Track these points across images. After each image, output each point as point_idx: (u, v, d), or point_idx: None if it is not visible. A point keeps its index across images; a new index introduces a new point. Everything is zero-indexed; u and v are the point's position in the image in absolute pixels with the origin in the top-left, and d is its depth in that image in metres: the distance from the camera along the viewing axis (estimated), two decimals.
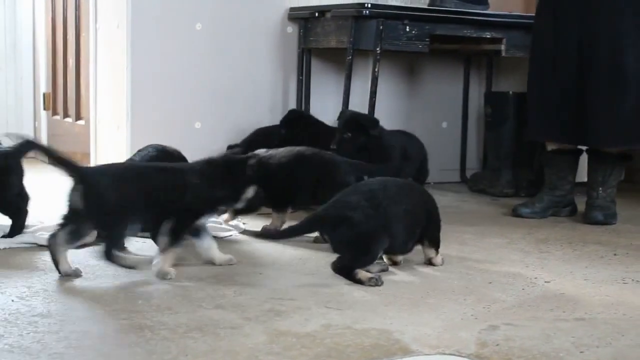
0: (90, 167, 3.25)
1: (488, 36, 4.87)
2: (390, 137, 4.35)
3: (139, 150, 3.83)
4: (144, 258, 3.04)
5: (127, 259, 2.96)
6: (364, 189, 3.07)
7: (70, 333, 2.33)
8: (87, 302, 2.63)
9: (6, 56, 6.50)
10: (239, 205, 3.21)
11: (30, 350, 2.19)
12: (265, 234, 3.55)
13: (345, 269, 2.95)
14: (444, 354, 2.26)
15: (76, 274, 2.93)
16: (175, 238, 2.98)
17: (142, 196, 2.94)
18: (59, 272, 2.93)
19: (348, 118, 3.98)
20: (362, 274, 2.93)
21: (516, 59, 5.17)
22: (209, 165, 3.12)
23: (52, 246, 2.93)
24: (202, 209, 3.08)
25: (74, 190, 2.88)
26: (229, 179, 3.11)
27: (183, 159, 3.80)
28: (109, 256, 2.87)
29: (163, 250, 2.98)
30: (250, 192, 3.15)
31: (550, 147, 4.40)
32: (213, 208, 3.14)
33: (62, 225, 2.92)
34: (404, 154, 4.35)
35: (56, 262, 2.93)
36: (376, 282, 2.91)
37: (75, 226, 2.91)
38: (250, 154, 3.28)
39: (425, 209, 3.19)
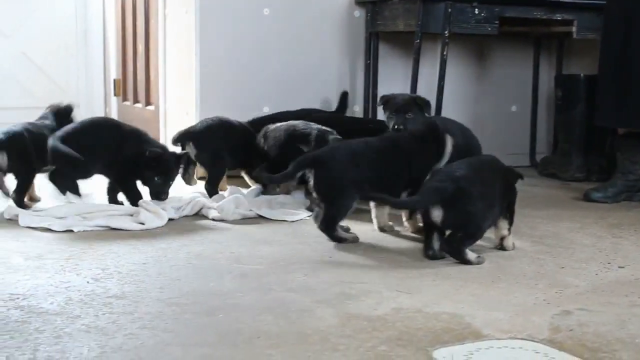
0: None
1: (559, 18, 4.79)
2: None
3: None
4: (355, 235, 3.30)
5: (347, 235, 3.26)
6: (470, 165, 3.14)
7: (144, 314, 2.37)
8: (160, 284, 2.67)
9: (77, 43, 6.61)
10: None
11: (106, 330, 2.23)
12: (386, 200, 3.37)
13: (457, 250, 3.00)
14: (516, 338, 2.24)
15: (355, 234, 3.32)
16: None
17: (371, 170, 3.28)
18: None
19: (406, 99, 3.98)
20: (470, 254, 3.01)
21: (587, 41, 5.08)
22: (417, 136, 3.46)
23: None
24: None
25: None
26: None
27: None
28: (332, 229, 3.23)
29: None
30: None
31: (622, 131, 4.31)
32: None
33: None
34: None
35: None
36: (481, 261, 3.01)
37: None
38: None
39: (509, 185, 3.24)
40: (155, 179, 3.73)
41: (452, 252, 3.01)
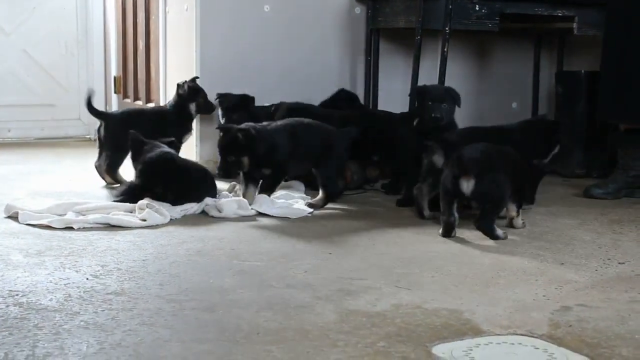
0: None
1: (559, 14, 4.78)
2: None
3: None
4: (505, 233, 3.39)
5: (501, 232, 3.36)
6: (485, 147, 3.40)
7: (143, 311, 2.36)
8: (160, 281, 2.66)
9: (78, 41, 6.60)
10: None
11: (105, 327, 2.23)
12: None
13: (490, 227, 3.31)
14: (516, 334, 2.23)
15: (434, 216, 3.55)
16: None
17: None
18: (422, 217, 3.63)
19: (441, 90, 4.05)
20: (498, 230, 3.32)
21: (588, 38, 5.07)
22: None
23: (418, 196, 3.65)
24: None
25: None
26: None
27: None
28: (490, 228, 3.33)
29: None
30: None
31: (624, 126, 4.31)
32: None
33: (424, 179, 3.63)
34: None
35: (420, 208, 3.65)
36: (506, 236, 3.33)
37: (432, 179, 3.56)
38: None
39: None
40: None
41: (485, 228, 3.31)
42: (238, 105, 4.55)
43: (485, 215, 3.33)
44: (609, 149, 4.85)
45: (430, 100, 3.95)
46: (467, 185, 3.27)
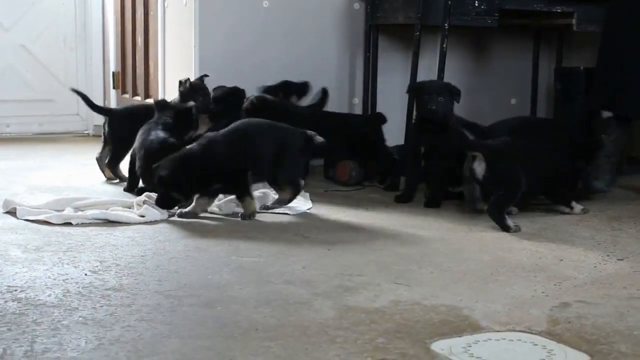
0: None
1: (558, 10, 4.78)
2: None
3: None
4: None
5: (512, 223, 3.40)
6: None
7: (142, 306, 2.36)
8: (159, 277, 2.66)
9: (76, 36, 6.59)
10: None
11: (104, 322, 2.22)
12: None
13: (501, 214, 3.38)
14: (515, 330, 2.23)
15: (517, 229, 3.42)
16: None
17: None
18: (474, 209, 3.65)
19: (440, 84, 4.07)
20: (509, 221, 3.38)
21: (587, 34, 5.06)
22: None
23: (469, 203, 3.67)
24: None
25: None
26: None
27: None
28: (500, 217, 3.38)
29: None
30: None
31: (606, 115, 4.29)
32: None
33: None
34: None
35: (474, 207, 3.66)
36: (518, 229, 3.36)
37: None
38: None
39: None
40: None
41: (494, 215, 3.37)
42: (224, 99, 4.47)
43: (495, 202, 3.39)
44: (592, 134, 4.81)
45: (428, 93, 3.95)
46: (479, 170, 3.43)
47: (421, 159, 3.95)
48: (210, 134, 3.69)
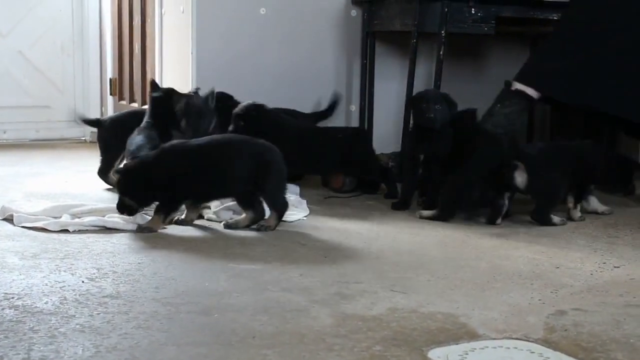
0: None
1: (555, 18, 4.78)
2: None
3: None
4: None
5: (558, 219, 3.67)
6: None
7: (139, 314, 2.36)
8: (156, 284, 2.66)
9: (73, 43, 6.59)
10: None
11: (101, 330, 2.22)
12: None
13: (545, 218, 3.65)
14: (511, 338, 2.24)
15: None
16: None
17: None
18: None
19: (437, 94, 4.08)
20: (555, 218, 3.66)
21: None
22: None
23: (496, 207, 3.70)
24: None
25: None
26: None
27: None
28: (546, 220, 3.64)
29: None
30: None
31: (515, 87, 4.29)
32: None
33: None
34: None
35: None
36: (565, 222, 3.68)
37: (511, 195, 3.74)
38: None
39: None
40: None
41: (541, 221, 3.63)
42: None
43: (539, 209, 3.66)
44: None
45: (425, 102, 3.96)
46: (521, 180, 3.61)
47: (419, 166, 3.96)
48: (175, 141, 3.61)
